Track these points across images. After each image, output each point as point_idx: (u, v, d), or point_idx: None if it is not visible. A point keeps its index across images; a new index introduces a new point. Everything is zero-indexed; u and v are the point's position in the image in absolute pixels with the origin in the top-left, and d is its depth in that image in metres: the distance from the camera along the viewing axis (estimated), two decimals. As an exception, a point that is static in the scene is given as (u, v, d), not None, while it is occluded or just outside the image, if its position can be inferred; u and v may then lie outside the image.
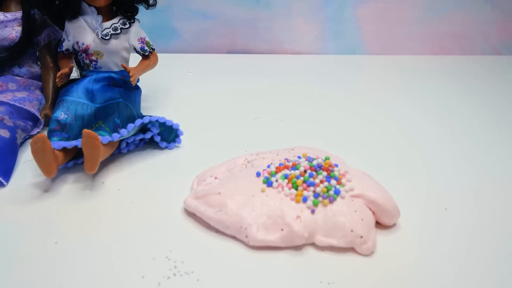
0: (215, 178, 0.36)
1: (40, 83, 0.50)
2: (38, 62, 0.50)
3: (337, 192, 0.32)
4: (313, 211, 0.31)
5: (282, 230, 0.30)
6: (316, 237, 0.30)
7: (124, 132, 0.39)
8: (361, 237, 0.29)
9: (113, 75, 0.45)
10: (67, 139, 0.38)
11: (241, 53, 0.87)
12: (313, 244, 0.30)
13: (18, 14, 0.47)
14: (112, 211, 0.34)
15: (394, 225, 0.33)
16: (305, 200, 0.31)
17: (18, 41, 0.47)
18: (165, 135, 0.44)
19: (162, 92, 0.62)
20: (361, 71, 0.78)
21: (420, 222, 0.33)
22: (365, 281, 0.27)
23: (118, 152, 0.42)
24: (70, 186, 0.37)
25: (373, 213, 0.32)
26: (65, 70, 0.44)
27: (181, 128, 0.44)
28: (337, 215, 0.30)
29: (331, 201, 0.31)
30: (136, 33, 0.46)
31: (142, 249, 0.30)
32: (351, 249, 0.30)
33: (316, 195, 0.32)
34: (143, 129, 0.43)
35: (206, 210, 0.32)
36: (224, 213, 0.31)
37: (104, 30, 0.44)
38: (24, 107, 0.45)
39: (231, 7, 0.84)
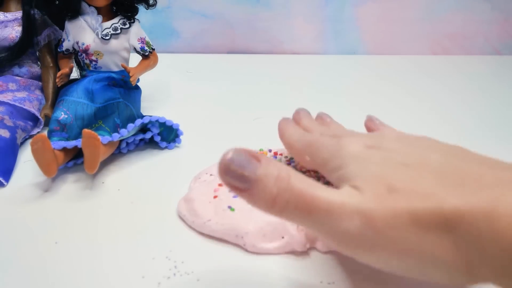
0: (210, 175, 0.36)
1: (40, 83, 0.50)
2: (38, 62, 0.50)
3: None
4: None
5: (282, 237, 0.29)
6: (317, 243, 0.29)
7: (124, 132, 0.39)
8: None
9: (113, 75, 0.45)
10: (67, 139, 0.38)
11: (241, 53, 0.87)
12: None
13: (18, 14, 0.47)
14: (112, 211, 0.34)
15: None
16: None
17: (18, 41, 0.47)
18: (165, 135, 0.44)
19: (162, 92, 0.62)
20: (361, 71, 0.78)
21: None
22: (366, 282, 0.27)
23: (118, 152, 0.42)
24: (70, 186, 0.37)
25: None
26: (65, 70, 0.44)
27: (181, 128, 0.44)
28: None
29: None
30: (136, 33, 0.46)
31: (142, 249, 0.30)
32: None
33: None
34: (143, 129, 0.43)
35: (194, 222, 0.31)
36: (214, 223, 0.30)
37: (104, 30, 0.44)
38: (24, 107, 0.45)
39: (231, 7, 0.84)
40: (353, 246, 0.19)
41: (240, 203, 0.31)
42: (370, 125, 0.32)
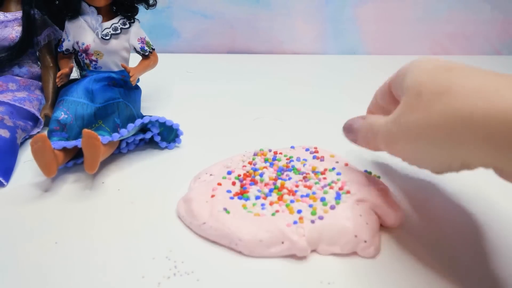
0: (210, 175, 0.36)
1: (40, 83, 0.50)
2: (38, 62, 0.50)
3: (338, 198, 0.31)
4: (313, 222, 0.29)
5: (282, 243, 0.28)
6: (319, 246, 0.29)
7: (124, 132, 0.39)
8: (365, 241, 0.28)
9: (113, 75, 0.45)
10: (67, 139, 0.38)
11: (241, 53, 0.87)
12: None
13: (18, 14, 0.47)
14: (112, 211, 0.34)
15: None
16: (299, 212, 0.30)
17: (18, 41, 0.47)
18: (165, 135, 0.44)
19: (162, 92, 0.62)
20: (361, 71, 0.78)
21: (421, 222, 0.33)
22: (366, 281, 0.27)
23: (118, 152, 0.42)
24: (70, 186, 0.37)
25: (379, 216, 0.31)
26: (65, 70, 0.44)
27: (181, 128, 0.44)
28: (341, 220, 0.29)
29: (332, 208, 0.30)
30: (136, 33, 0.46)
31: (142, 249, 0.30)
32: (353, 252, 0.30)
33: (311, 206, 0.31)
34: (143, 129, 0.43)
35: (191, 223, 0.31)
36: (209, 227, 0.30)
37: (104, 30, 0.44)
38: (24, 107, 0.45)
39: (231, 7, 0.84)
40: None
41: (235, 206, 0.31)
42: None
